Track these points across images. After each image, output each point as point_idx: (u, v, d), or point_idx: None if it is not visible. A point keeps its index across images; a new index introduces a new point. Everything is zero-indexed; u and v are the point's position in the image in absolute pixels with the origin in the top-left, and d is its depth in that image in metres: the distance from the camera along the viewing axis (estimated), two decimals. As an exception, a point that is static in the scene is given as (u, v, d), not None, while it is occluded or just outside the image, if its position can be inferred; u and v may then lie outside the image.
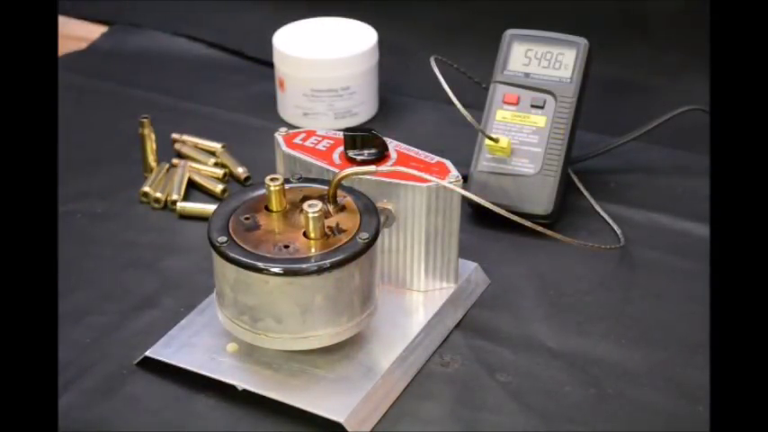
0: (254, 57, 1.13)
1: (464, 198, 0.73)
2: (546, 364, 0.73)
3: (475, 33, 1.10)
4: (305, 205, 0.66)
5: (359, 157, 0.75)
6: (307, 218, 0.66)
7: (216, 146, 0.96)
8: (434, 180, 0.73)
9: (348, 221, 0.69)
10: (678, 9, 1.06)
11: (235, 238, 0.67)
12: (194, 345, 0.72)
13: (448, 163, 0.75)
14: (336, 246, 0.67)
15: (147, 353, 0.72)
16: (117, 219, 0.88)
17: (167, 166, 0.93)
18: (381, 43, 1.01)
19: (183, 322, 0.74)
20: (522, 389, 0.71)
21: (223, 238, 0.67)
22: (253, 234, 0.68)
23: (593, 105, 0.95)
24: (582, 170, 0.92)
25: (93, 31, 1.20)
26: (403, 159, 0.76)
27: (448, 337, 0.75)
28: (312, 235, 0.67)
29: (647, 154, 0.95)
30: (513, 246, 0.84)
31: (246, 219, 0.69)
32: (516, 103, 0.88)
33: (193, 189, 0.91)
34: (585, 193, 0.90)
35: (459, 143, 0.89)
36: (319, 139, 0.78)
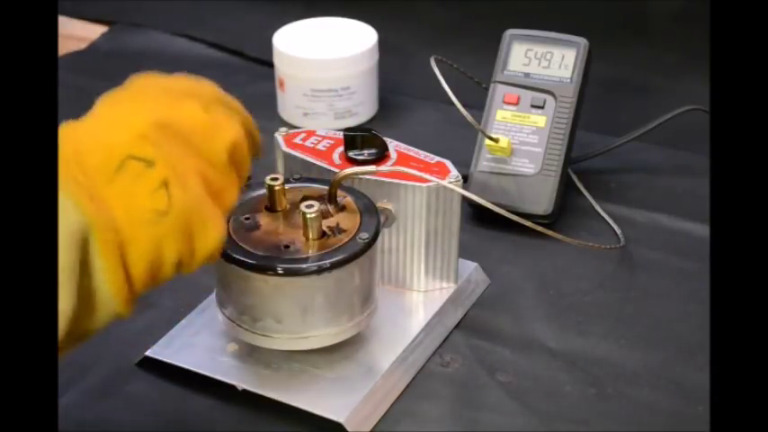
0: (254, 57, 1.13)
1: (464, 198, 0.73)
2: (546, 364, 0.73)
3: (475, 33, 1.10)
4: (302, 206, 0.66)
5: (359, 157, 0.75)
6: (304, 218, 0.66)
7: (216, 146, 0.96)
8: (434, 180, 0.73)
9: (348, 221, 0.69)
10: (678, 9, 1.06)
11: (235, 238, 0.67)
12: (194, 345, 0.72)
13: (448, 163, 0.75)
14: (336, 246, 0.67)
15: (147, 353, 0.72)
16: (117, 219, 0.88)
17: (167, 166, 0.93)
18: (381, 43, 1.01)
19: (183, 322, 0.74)
20: (522, 389, 0.71)
21: (223, 238, 0.67)
22: (253, 234, 0.68)
23: (593, 105, 0.95)
24: (582, 170, 0.92)
25: (93, 31, 1.20)
26: (403, 159, 0.76)
27: (448, 337, 0.75)
28: (311, 235, 0.67)
29: (647, 154, 0.95)
30: (513, 246, 0.84)
31: (246, 219, 0.69)
32: (516, 103, 0.88)
33: (193, 189, 0.91)
34: (585, 193, 0.90)
35: (459, 143, 0.89)
36: (319, 139, 0.78)
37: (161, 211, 0.55)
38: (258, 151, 0.66)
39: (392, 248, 0.76)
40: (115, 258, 0.54)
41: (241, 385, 0.69)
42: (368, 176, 0.72)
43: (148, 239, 0.55)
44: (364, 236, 0.67)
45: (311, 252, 0.66)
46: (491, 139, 0.86)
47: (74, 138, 0.56)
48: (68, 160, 0.54)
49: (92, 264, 0.53)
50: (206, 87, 0.63)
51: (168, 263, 0.56)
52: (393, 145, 0.77)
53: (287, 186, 0.70)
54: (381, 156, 0.75)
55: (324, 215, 0.68)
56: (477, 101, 0.90)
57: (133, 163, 0.55)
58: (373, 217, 0.69)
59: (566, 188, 0.88)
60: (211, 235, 0.58)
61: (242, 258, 0.66)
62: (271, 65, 1.03)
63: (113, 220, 0.54)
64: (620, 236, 0.85)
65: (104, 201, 0.54)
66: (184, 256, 0.57)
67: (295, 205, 0.70)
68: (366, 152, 0.75)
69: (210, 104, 0.61)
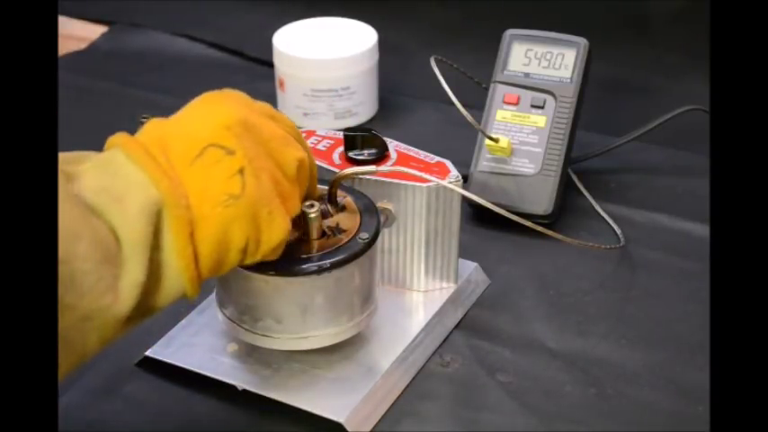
0: (254, 57, 1.13)
1: (464, 198, 0.73)
2: (546, 364, 0.73)
3: (475, 33, 1.10)
4: (303, 205, 0.66)
5: (359, 157, 0.75)
6: (305, 218, 0.66)
7: (216, 146, 0.96)
8: (434, 180, 0.73)
9: (348, 221, 0.69)
10: (678, 9, 1.06)
11: (235, 238, 0.67)
12: (194, 345, 0.72)
13: (448, 163, 0.75)
14: (336, 246, 0.67)
15: (147, 353, 0.72)
16: (117, 219, 0.87)
17: (167, 166, 0.93)
18: (381, 43, 1.01)
19: (183, 322, 0.74)
20: (522, 389, 0.71)
21: (223, 238, 0.67)
22: (253, 234, 0.68)
23: (593, 105, 0.95)
24: (582, 170, 0.92)
25: (93, 31, 1.20)
26: (403, 159, 0.76)
27: (448, 337, 0.75)
28: (311, 235, 0.67)
29: (647, 154, 0.95)
30: (513, 246, 0.84)
31: (246, 219, 0.69)
32: (516, 103, 0.88)
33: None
34: (585, 193, 0.90)
35: (460, 143, 0.89)
36: (319, 139, 0.78)
37: (234, 195, 0.57)
38: (313, 192, 0.67)
39: (392, 248, 0.76)
40: (185, 234, 0.55)
41: (241, 385, 0.69)
42: (368, 176, 0.72)
43: (219, 220, 0.56)
44: (364, 236, 0.67)
45: (311, 252, 0.66)
46: (491, 139, 0.86)
47: (160, 128, 0.59)
48: (151, 145, 0.57)
49: (162, 238, 0.55)
50: (286, 119, 0.65)
51: (235, 248, 0.58)
52: (393, 145, 0.77)
53: (287, 186, 0.70)
54: (381, 156, 0.75)
55: (324, 215, 0.68)
56: (477, 101, 0.90)
57: (214, 150, 0.57)
58: (373, 217, 0.69)
59: (566, 188, 0.88)
60: (277, 228, 0.60)
61: (242, 258, 0.66)
62: (271, 65, 1.03)
63: (186, 197, 0.55)
64: (620, 236, 0.85)
65: (181, 181, 0.56)
66: (250, 243, 0.59)
67: (295, 205, 0.70)
68: (366, 152, 0.75)
69: (287, 129, 0.63)
